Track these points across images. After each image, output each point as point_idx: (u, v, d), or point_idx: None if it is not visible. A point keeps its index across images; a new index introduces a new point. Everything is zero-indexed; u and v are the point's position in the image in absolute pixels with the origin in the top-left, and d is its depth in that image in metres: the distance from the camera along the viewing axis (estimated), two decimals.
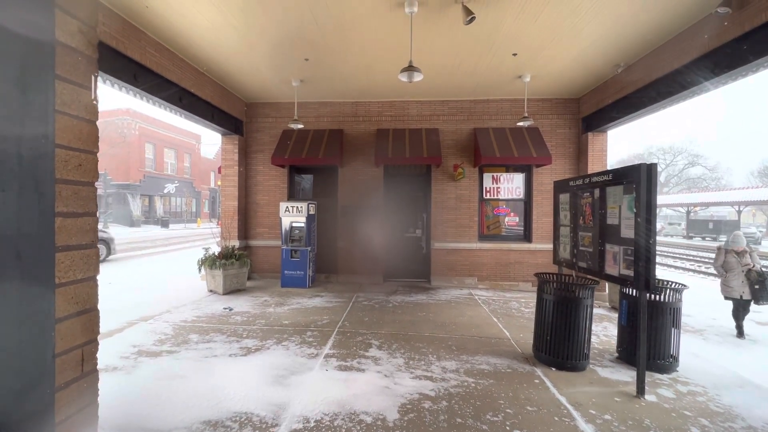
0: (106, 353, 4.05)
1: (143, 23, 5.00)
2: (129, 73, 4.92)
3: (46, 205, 0.81)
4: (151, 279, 8.68)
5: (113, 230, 24.18)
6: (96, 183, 0.92)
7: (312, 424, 2.83)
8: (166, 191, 33.48)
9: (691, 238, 31.83)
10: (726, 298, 5.40)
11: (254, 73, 6.75)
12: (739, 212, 29.93)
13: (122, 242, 18.09)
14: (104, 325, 4.97)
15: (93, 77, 0.91)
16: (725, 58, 4.31)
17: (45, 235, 0.81)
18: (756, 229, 32.26)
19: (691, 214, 34.46)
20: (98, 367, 0.97)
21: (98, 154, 0.96)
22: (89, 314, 0.95)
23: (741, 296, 5.20)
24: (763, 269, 5.17)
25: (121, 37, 4.73)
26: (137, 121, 29.80)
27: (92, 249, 0.95)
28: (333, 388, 3.39)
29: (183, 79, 6.06)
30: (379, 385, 3.48)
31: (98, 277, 0.94)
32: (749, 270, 5.18)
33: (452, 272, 8.09)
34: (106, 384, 3.34)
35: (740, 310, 5.34)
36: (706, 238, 30.16)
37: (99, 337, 1.00)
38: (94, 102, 0.92)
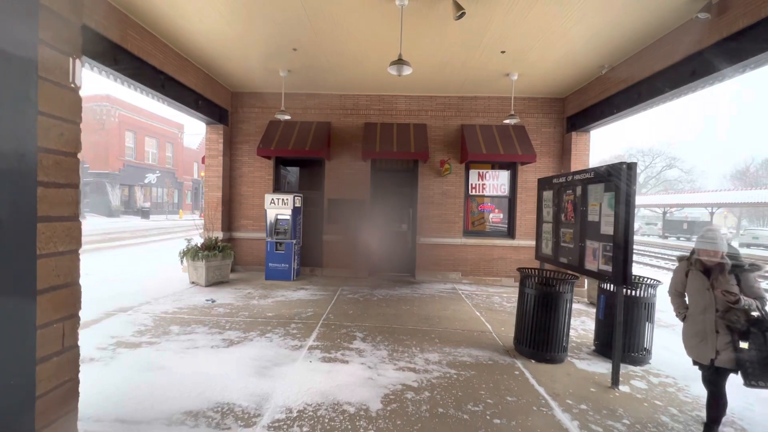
0: (82, 344, 3.92)
1: (123, 4, 4.82)
2: (108, 56, 4.74)
3: (26, 171, 0.78)
4: (130, 270, 8.47)
5: (89, 220, 23.47)
6: (79, 158, 0.90)
7: (295, 414, 2.84)
8: (146, 181, 32.58)
9: (666, 237, 32.98)
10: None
11: (241, 61, 6.61)
12: (712, 214, 31.12)
13: (100, 233, 17.57)
14: (81, 316, 4.84)
15: (76, 41, 0.88)
16: (704, 63, 4.46)
17: (26, 203, 0.78)
18: (727, 230, 33.65)
19: (667, 214, 35.67)
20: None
21: None
22: (71, 288, 0.93)
23: (712, 361, 2.69)
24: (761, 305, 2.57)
25: (100, 17, 4.56)
26: (117, 108, 28.83)
27: (75, 222, 0.92)
28: (316, 379, 3.40)
29: (166, 64, 5.89)
30: (362, 376, 3.51)
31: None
32: (730, 307, 2.62)
33: (437, 267, 8.17)
34: (82, 375, 3.26)
35: (714, 390, 2.76)
36: (681, 238, 31.35)
37: None
38: (79, 67, 0.89)
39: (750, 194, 27.81)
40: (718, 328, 2.68)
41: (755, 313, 2.58)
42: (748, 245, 25.81)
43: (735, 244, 28.88)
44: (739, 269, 2.68)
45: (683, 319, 2.97)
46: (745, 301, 2.57)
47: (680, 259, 3.03)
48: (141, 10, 4.96)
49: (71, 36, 0.88)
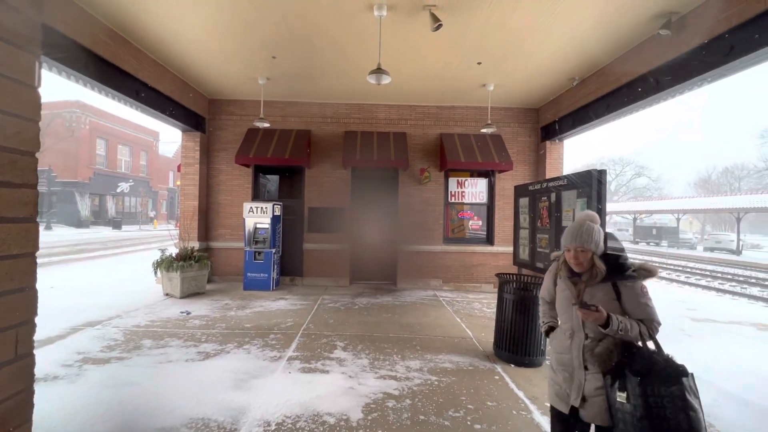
0: (45, 361, 3.72)
1: (93, 7, 4.68)
2: (78, 61, 4.59)
3: None
4: (99, 283, 8.10)
5: (56, 231, 22.40)
6: (37, 158, 0.86)
7: (273, 428, 2.76)
8: (119, 190, 31.43)
9: (637, 243, 34.31)
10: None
11: (218, 68, 6.53)
12: (678, 219, 32.67)
13: (67, 244, 16.77)
14: (43, 332, 4.59)
15: (35, 37, 0.86)
16: (666, 76, 4.72)
17: None
18: (692, 235, 35.34)
19: (638, 220, 37.19)
20: (35, 376, 0.91)
21: (42, 149, 0.91)
22: (25, 293, 0.89)
23: (574, 411, 1.86)
24: (647, 331, 1.74)
25: (69, 20, 4.42)
26: (88, 115, 27.80)
27: (31, 223, 0.88)
28: (296, 391, 3.33)
29: (140, 70, 5.75)
30: (343, 386, 3.46)
31: (37, 254, 0.89)
32: (605, 335, 1.77)
33: (418, 274, 8.20)
34: (44, 394, 3.08)
35: None
36: (650, 243, 32.71)
37: (36, 345, 0.93)
38: (37, 65, 0.86)
39: (712, 201, 29.39)
40: (587, 362, 1.80)
41: (639, 343, 1.72)
42: (712, 249, 27.14)
43: (700, 248, 30.41)
44: (618, 276, 1.79)
45: (546, 333, 2.13)
46: (619, 323, 1.69)
47: (553, 259, 2.12)
48: (114, 15, 4.84)
49: (29, 32, 0.85)
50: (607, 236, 1.90)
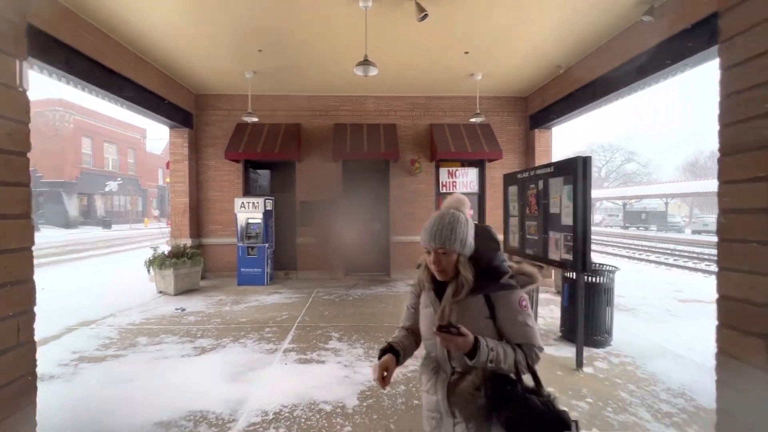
0: (40, 361, 3.70)
1: (74, 3, 4.59)
2: (60, 58, 4.51)
3: None
4: (92, 283, 8.05)
5: (44, 232, 22.08)
6: (29, 158, 0.92)
7: (271, 417, 2.83)
8: (107, 189, 30.98)
9: (627, 228, 34.87)
10: None
11: (204, 62, 6.44)
12: (667, 204, 33.23)
13: (56, 245, 16.56)
14: (37, 333, 4.56)
15: (21, 42, 0.90)
16: (649, 62, 4.78)
17: None
18: (680, 218, 35.98)
19: (627, 206, 37.72)
20: None
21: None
22: (23, 285, 0.96)
23: None
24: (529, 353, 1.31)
25: (49, 17, 4.33)
26: (72, 113, 27.25)
27: (27, 220, 0.95)
28: (292, 381, 3.39)
29: (124, 66, 5.65)
30: (338, 375, 3.53)
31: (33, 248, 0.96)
32: (474, 366, 1.26)
33: (411, 265, 8.27)
34: (41, 393, 3.09)
35: None
36: (640, 228, 33.30)
37: None
38: (25, 69, 0.91)
39: (700, 184, 29.90)
40: (454, 407, 1.33)
41: (512, 376, 1.28)
42: (699, 232, 27.66)
43: (688, 231, 31.06)
44: (492, 285, 1.33)
45: (379, 356, 1.47)
46: (489, 350, 1.23)
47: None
48: (92, 10, 4.74)
49: (15, 37, 0.89)
50: (481, 230, 1.43)
